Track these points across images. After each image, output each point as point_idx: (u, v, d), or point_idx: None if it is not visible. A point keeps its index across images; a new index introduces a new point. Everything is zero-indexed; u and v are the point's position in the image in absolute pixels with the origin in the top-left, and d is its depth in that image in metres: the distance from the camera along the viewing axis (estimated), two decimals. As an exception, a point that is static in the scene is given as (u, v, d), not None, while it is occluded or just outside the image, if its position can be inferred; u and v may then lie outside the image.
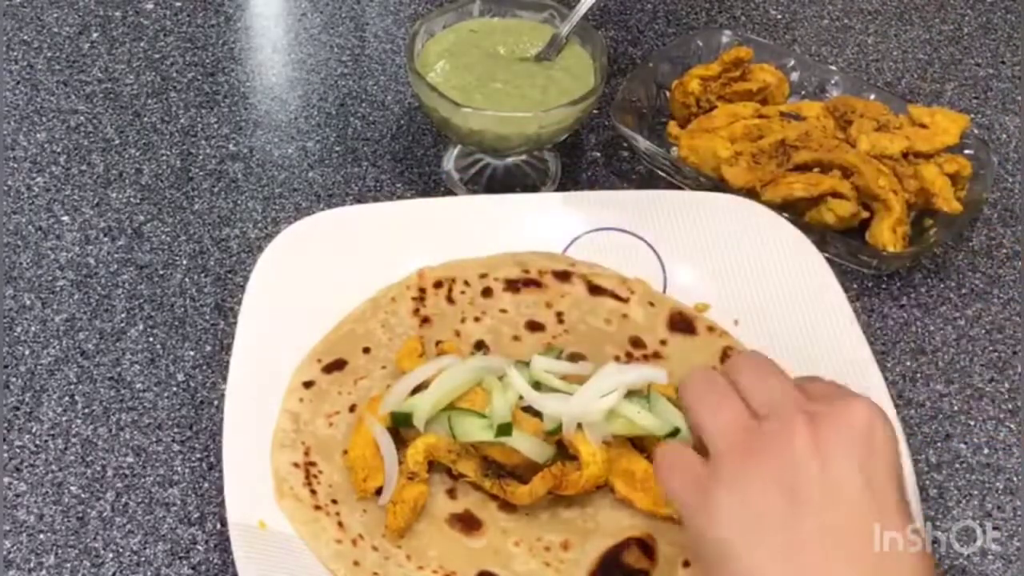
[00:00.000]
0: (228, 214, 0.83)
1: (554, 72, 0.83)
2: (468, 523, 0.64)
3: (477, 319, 0.73)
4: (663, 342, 0.73)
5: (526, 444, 0.64)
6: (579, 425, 0.64)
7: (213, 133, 0.89)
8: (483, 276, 0.75)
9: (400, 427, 0.66)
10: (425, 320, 0.73)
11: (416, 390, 0.67)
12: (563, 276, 0.76)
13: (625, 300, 0.75)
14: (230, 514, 0.61)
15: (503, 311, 0.74)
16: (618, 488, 0.65)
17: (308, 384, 0.69)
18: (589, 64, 0.83)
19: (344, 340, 0.72)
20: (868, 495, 0.51)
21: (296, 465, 0.65)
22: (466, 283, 0.75)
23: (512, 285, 0.75)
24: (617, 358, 0.72)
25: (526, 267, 0.76)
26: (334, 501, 0.64)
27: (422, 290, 0.74)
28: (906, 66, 1.00)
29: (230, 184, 0.85)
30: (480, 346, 0.72)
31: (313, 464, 0.66)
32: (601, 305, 0.75)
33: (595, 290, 0.75)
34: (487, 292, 0.75)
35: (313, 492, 0.64)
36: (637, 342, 0.73)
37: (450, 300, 0.74)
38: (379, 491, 0.64)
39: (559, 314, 0.74)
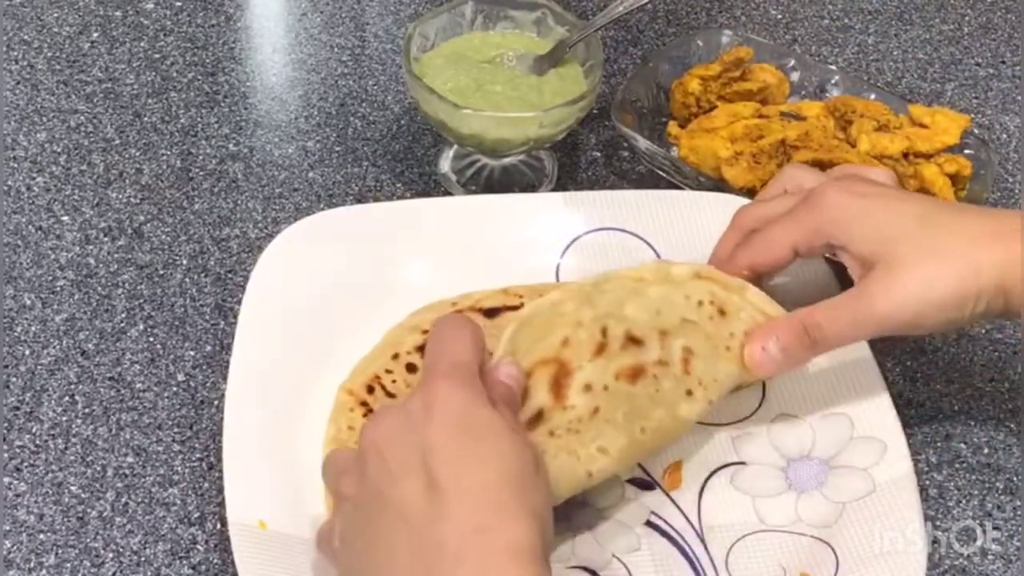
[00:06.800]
0: (228, 214, 0.83)
1: (550, 76, 0.83)
2: None
3: None
4: None
5: None
6: None
7: (213, 133, 0.89)
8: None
9: None
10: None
11: None
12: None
13: (520, 307, 0.71)
14: (230, 514, 0.61)
15: None
16: None
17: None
18: (584, 68, 0.84)
19: None
20: None
21: None
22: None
23: None
24: None
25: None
26: None
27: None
28: (906, 66, 1.00)
29: (230, 184, 0.86)
30: None
31: None
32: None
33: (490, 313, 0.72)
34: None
35: None
36: None
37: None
38: None
39: None
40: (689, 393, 0.65)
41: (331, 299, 0.73)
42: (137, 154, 0.87)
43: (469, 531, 0.52)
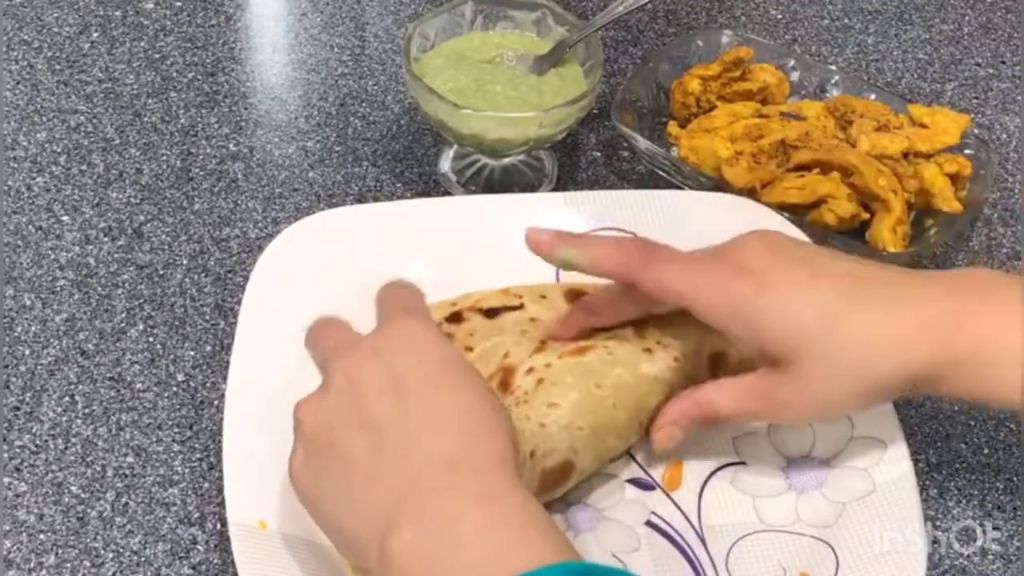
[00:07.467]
0: (228, 214, 0.83)
1: (550, 76, 0.83)
2: None
3: None
4: None
5: None
6: None
7: (213, 133, 0.89)
8: None
9: None
10: None
11: None
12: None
13: (520, 307, 0.72)
14: (230, 514, 0.61)
15: None
16: None
17: None
18: (584, 68, 0.84)
19: None
20: None
21: None
22: None
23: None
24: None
25: None
26: None
27: None
28: (906, 66, 1.00)
29: (230, 184, 0.86)
30: None
31: None
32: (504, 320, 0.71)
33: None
34: None
35: None
36: None
37: None
38: None
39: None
40: (648, 351, 0.66)
41: (331, 299, 0.72)
42: (137, 154, 0.87)
43: (458, 446, 0.52)
